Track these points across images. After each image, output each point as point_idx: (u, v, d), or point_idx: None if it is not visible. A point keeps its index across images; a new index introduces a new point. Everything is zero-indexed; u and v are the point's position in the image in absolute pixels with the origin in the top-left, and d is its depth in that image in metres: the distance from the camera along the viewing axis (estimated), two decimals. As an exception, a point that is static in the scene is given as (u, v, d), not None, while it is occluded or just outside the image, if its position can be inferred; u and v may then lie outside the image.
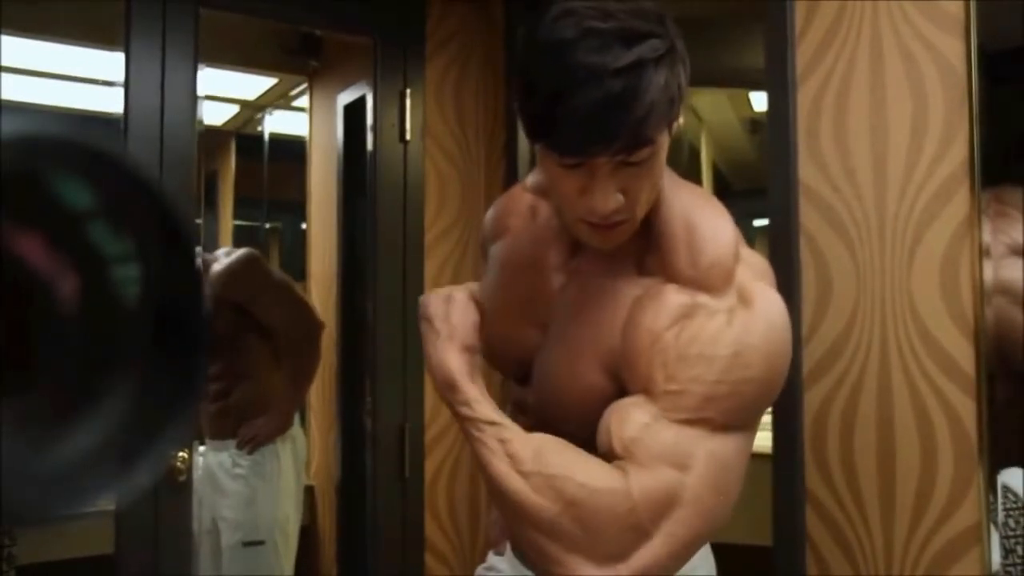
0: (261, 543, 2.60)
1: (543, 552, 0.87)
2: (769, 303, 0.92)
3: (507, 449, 0.90)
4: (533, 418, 1.04)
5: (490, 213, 1.19)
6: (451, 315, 1.00)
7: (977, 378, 1.25)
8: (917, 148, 1.33)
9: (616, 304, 0.96)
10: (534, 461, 0.88)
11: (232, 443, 2.64)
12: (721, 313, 0.89)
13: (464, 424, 0.94)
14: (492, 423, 0.92)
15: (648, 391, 0.89)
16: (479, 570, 1.26)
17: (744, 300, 0.90)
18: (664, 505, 0.85)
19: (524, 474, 0.87)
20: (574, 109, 0.81)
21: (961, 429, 1.27)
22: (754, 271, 0.94)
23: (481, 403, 0.94)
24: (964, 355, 1.27)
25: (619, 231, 0.92)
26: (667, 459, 0.86)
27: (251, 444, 2.63)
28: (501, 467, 0.89)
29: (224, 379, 2.63)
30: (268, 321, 2.69)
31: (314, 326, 2.76)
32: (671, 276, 0.93)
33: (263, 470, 2.63)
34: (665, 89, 0.83)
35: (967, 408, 1.26)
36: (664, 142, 0.89)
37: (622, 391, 0.93)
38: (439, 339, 0.98)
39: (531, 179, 1.15)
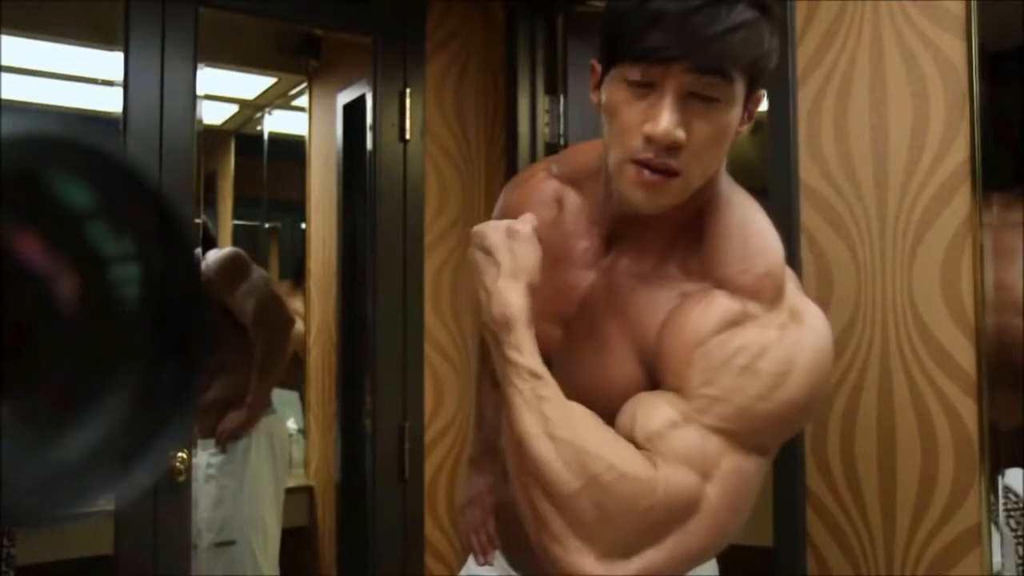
0: (232, 543, 2.59)
1: (547, 525, 0.82)
2: (819, 323, 0.88)
3: (544, 408, 0.84)
4: None
5: (508, 197, 1.11)
6: (516, 249, 0.91)
7: (978, 378, 1.25)
8: (918, 148, 1.33)
9: (655, 303, 0.92)
10: (568, 428, 0.83)
11: (211, 442, 2.65)
12: (773, 328, 0.85)
13: (506, 368, 0.87)
14: (537, 376, 0.86)
15: (682, 391, 0.85)
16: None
17: (795, 317, 0.87)
18: (683, 510, 0.82)
19: (555, 438, 0.82)
20: (662, 7, 0.81)
21: (962, 429, 1.27)
22: (798, 287, 0.91)
23: (533, 353, 0.87)
24: (965, 355, 1.27)
25: (667, 187, 0.86)
26: (691, 463, 0.82)
27: (222, 439, 2.64)
28: (532, 424, 0.83)
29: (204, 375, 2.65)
30: (242, 315, 2.70)
31: (284, 320, 2.77)
32: (720, 281, 0.89)
33: (231, 468, 2.63)
34: (753, 27, 0.83)
35: (968, 408, 1.26)
36: (737, 101, 0.85)
37: (655, 388, 0.90)
38: (501, 272, 0.90)
39: (556, 167, 1.09)
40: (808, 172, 1.48)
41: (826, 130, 1.46)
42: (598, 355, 0.95)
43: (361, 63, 2.30)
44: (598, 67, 0.91)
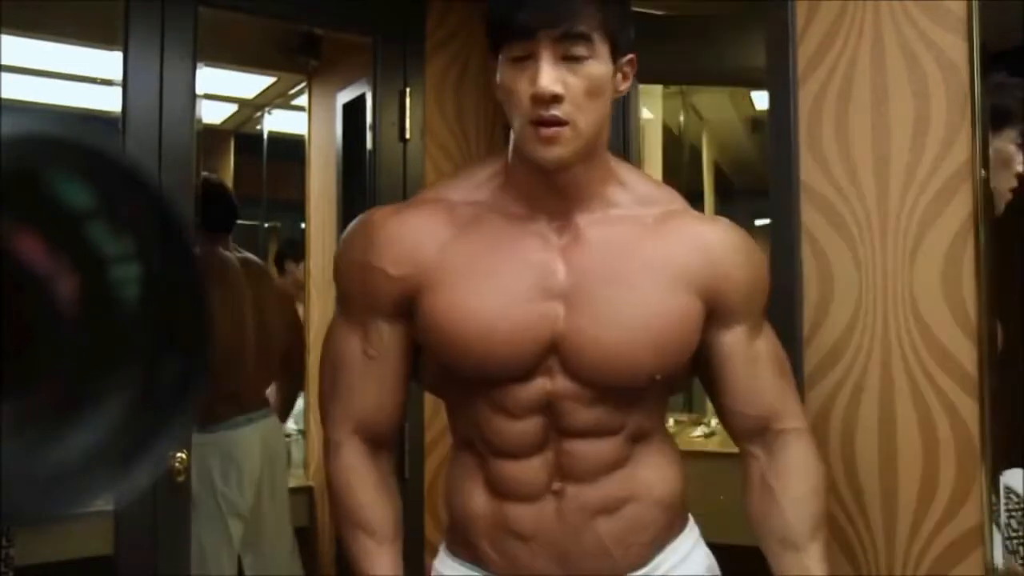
0: None
1: None
2: None
3: None
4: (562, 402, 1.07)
5: (379, 246, 1.12)
6: None
7: (979, 378, 1.25)
8: (919, 147, 1.33)
9: (650, 233, 1.10)
10: None
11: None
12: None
13: None
14: None
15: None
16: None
17: None
18: None
19: None
20: None
21: (963, 429, 1.27)
22: None
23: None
24: (966, 355, 1.27)
25: (565, 137, 1.01)
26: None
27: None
28: None
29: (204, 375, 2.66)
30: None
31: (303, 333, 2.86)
32: (668, 202, 1.17)
33: None
34: (602, 4, 1.02)
35: (969, 408, 1.26)
36: (603, 58, 1.03)
37: (710, 313, 1.10)
38: None
39: (430, 193, 1.21)
40: (809, 172, 1.48)
41: (827, 130, 1.46)
42: (633, 292, 1.07)
43: (361, 62, 2.30)
44: (493, 59, 1.08)
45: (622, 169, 1.16)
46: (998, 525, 1.24)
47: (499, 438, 1.10)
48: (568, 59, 1.01)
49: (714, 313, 1.11)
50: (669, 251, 1.09)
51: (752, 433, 1.18)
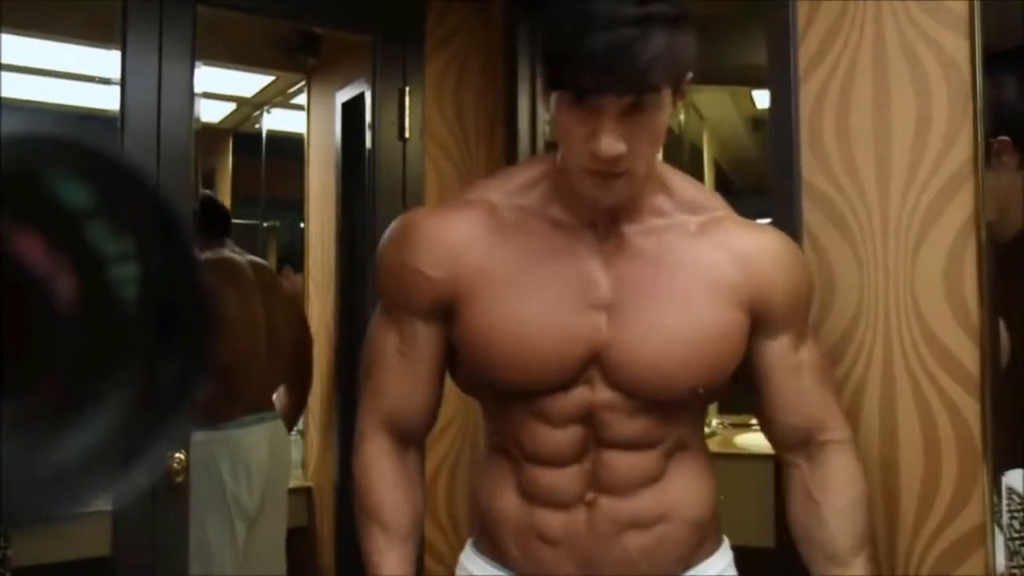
0: None
1: None
2: None
3: None
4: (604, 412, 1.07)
5: (418, 247, 1.11)
6: None
7: (981, 378, 1.25)
8: (921, 146, 1.33)
9: (695, 242, 1.08)
10: None
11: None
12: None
13: None
14: None
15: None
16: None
17: None
18: None
19: None
20: (591, 49, 0.90)
21: (965, 430, 1.27)
22: None
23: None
24: (968, 355, 1.26)
25: (621, 183, 0.98)
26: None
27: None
28: None
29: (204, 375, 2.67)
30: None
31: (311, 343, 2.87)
32: (713, 209, 1.15)
33: None
34: (669, 47, 0.92)
35: (971, 408, 1.26)
36: (667, 103, 0.97)
37: (753, 323, 1.09)
38: None
39: (472, 194, 1.16)
40: (810, 171, 1.48)
41: (828, 129, 1.46)
42: (677, 305, 1.06)
43: (360, 61, 2.29)
44: (545, 91, 1.00)
45: (667, 173, 1.13)
46: (1000, 526, 1.23)
47: (536, 445, 1.09)
48: (633, 111, 0.94)
49: (758, 323, 1.10)
50: (713, 262, 1.07)
51: (795, 444, 1.17)
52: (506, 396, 1.11)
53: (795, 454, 1.17)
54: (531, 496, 1.11)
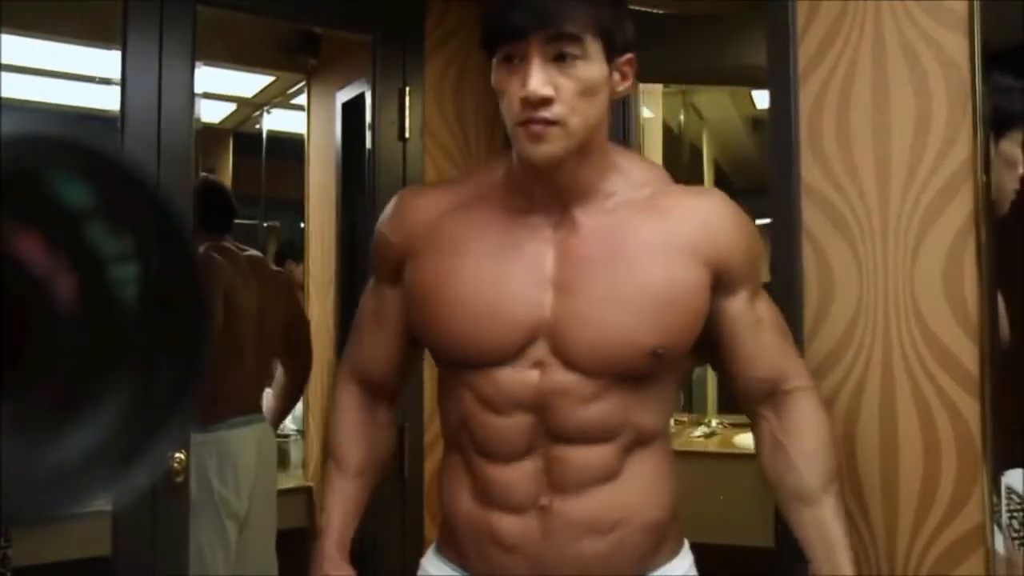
0: None
1: None
2: None
3: None
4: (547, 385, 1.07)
5: (390, 217, 1.22)
6: None
7: (981, 378, 1.25)
8: (920, 146, 1.33)
9: (646, 216, 1.10)
10: None
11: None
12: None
13: None
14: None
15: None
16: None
17: None
18: None
19: None
20: None
21: (965, 429, 1.27)
22: None
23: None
24: (968, 355, 1.26)
25: (554, 136, 1.02)
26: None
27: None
28: None
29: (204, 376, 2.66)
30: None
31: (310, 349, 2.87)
32: (658, 182, 1.18)
33: None
34: (592, 3, 1.02)
35: (971, 408, 1.26)
36: (596, 59, 1.03)
37: (715, 281, 1.10)
38: None
39: (451, 179, 1.33)
40: (809, 171, 1.48)
41: (828, 129, 1.46)
42: (632, 271, 1.08)
43: (360, 61, 2.29)
44: (490, 61, 1.09)
45: (620, 157, 1.17)
46: (999, 526, 1.24)
47: (486, 434, 1.10)
48: (559, 60, 1.01)
49: (719, 281, 1.12)
50: (669, 226, 1.10)
51: (762, 396, 1.20)
52: (455, 378, 1.14)
53: (762, 406, 1.21)
54: (486, 499, 1.11)
